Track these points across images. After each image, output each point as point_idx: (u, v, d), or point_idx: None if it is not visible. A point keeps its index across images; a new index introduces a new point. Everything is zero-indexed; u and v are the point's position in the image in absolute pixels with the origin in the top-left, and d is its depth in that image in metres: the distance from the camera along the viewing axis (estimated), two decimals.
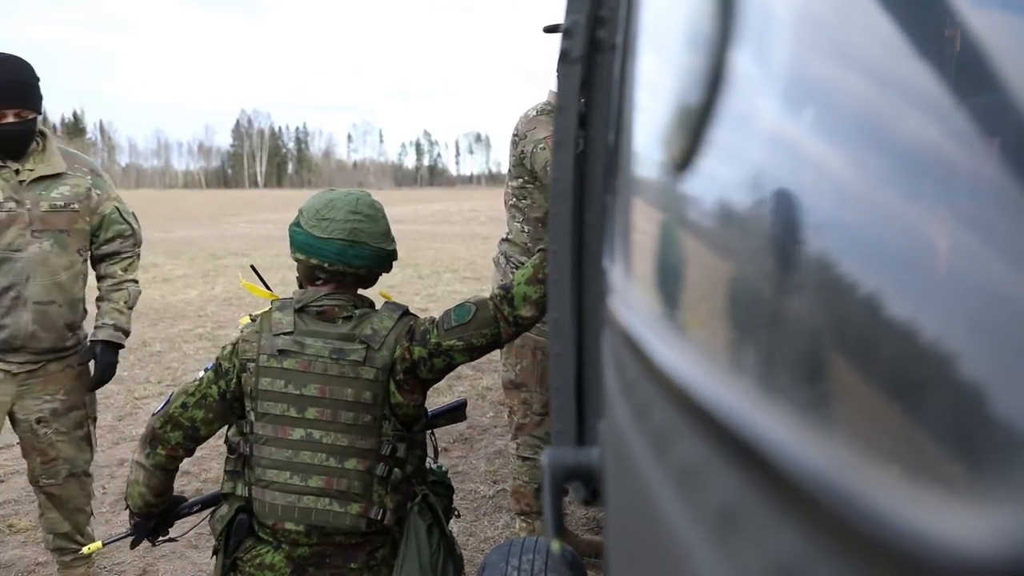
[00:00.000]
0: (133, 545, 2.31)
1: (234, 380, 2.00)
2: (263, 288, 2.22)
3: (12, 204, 2.82)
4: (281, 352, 1.95)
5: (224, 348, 2.06)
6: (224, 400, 2.01)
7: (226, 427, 2.07)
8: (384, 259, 2.04)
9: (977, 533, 0.27)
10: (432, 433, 2.41)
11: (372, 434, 1.94)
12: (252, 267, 2.09)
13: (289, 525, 1.96)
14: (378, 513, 1.95)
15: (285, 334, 1.97)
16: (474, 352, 1.99)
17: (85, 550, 2.52)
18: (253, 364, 1.97)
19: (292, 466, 1.95)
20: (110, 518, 3.99)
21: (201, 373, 2.07)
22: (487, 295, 2.04)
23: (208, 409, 2.01)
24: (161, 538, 2.29)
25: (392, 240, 2.06)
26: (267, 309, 2.05)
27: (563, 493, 1.09)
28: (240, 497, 2.01)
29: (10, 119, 2.78)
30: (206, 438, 2.07)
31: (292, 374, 1.94)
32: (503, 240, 3.37)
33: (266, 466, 1.96)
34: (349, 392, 1.93)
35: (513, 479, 3.50)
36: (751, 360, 0.50)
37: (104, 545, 2.45)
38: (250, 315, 2.08)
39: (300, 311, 2.00)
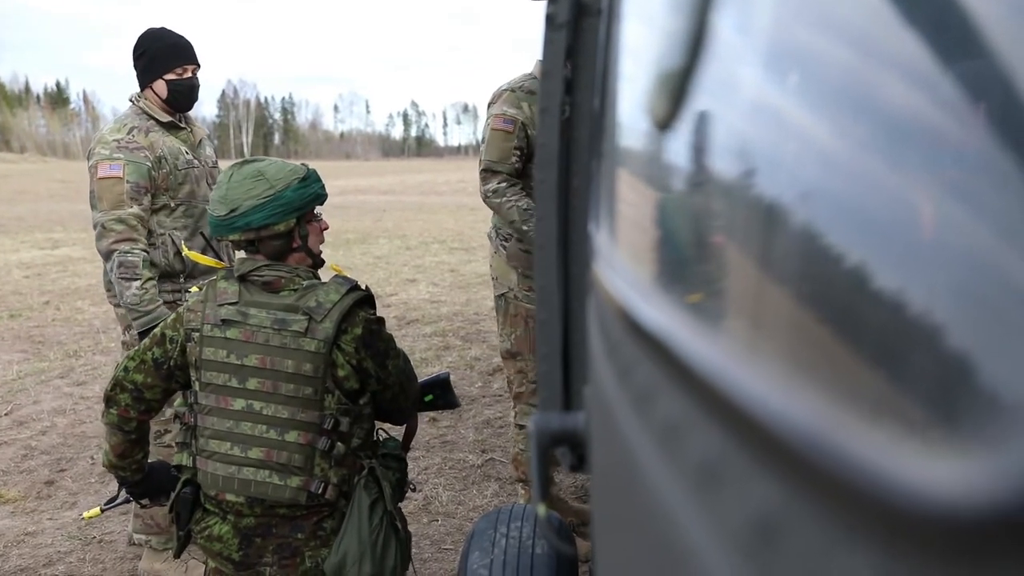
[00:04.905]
0: (111, 503, 2.32)
1: (178, 350, 1.99)
2: (210, 257, 2.19)
3: (196, 161, 3.16)
4: (224, 322, 1.94)
5: (169, 317, 2.05)
6: (159, 367, 2.00)
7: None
8: (222, 227, 1.97)
9: (956, 482, 0.27)
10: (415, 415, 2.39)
11: (314, 407, 1.93)
12: (201, 233, 2.06)
13: (230, 496, 1.96)
14: (319, 487, 1.94)
15: (230, 304, 1.95)
16: (385, 401, 2.10)
17: (86, 514, 2.55)
18: (197, 334, 1.96)
19: (233, 437, 1.94)
20: (99, 488, 4.00)
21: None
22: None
23: (146, 374, 2.00)
24: (148, 502, 2.30)
25: (224, 205, 1.95)
26: (213, 279, 2.04)
27: (550, 458, 1.10)
28: (189, 469, 2.02)
29: (189, 74, 3.10)
30: (155, 401, 2.05)
31: (234, 344, 1.93)
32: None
33: (208, 436, 1.96)
34: (289, 364, 1.91)
35: (513, 446, 3.52)
36: (735, 320, 0.50)
37: (102, 511, 2.46)
38: (198, 285, 2.06)
39: (244, 280, 1.99)
